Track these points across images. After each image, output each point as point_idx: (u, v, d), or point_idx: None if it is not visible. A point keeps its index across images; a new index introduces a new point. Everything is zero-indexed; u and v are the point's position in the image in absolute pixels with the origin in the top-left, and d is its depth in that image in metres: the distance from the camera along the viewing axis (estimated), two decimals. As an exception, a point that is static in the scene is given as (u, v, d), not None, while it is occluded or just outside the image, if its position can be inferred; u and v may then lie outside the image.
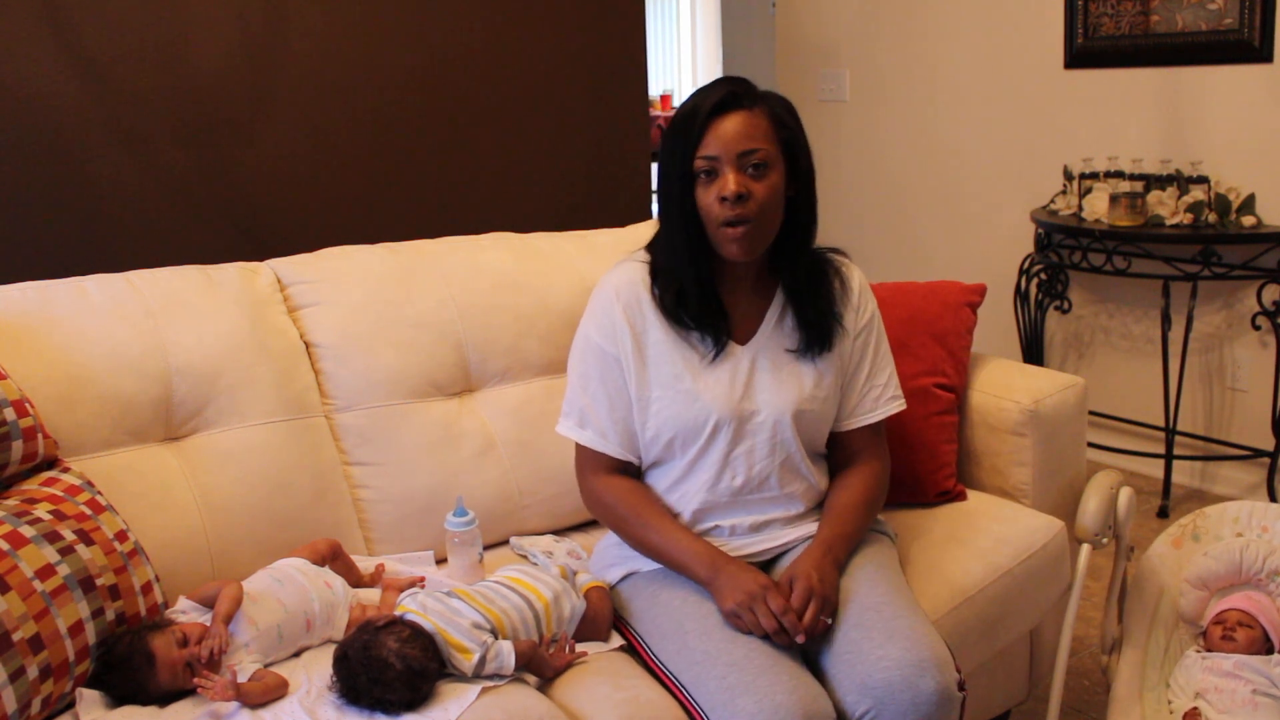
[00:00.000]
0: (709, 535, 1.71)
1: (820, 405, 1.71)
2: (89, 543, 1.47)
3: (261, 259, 2.02)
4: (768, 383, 1.68)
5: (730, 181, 1.57)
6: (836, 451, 1.79)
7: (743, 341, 1.70)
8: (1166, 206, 3.19)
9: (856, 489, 1.73)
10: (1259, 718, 1.74)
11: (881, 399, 1.77)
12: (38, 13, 2.57)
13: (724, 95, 1.58)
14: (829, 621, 1.54)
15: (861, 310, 1.75)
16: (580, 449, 1.74)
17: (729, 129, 1.58)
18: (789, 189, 1.64)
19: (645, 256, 1.72)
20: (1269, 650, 1.82)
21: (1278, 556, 1.89)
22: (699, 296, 1.65)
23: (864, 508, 1.72)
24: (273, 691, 1.45)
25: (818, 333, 1.70)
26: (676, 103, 6.58)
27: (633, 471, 1.74)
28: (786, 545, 1.72)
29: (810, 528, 1.73)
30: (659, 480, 1.72)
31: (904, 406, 1.80)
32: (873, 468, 1.76)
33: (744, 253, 1.61)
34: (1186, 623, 1.94)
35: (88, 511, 1.51)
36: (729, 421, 1.65)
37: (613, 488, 1.71)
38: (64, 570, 1.41)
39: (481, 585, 1.61)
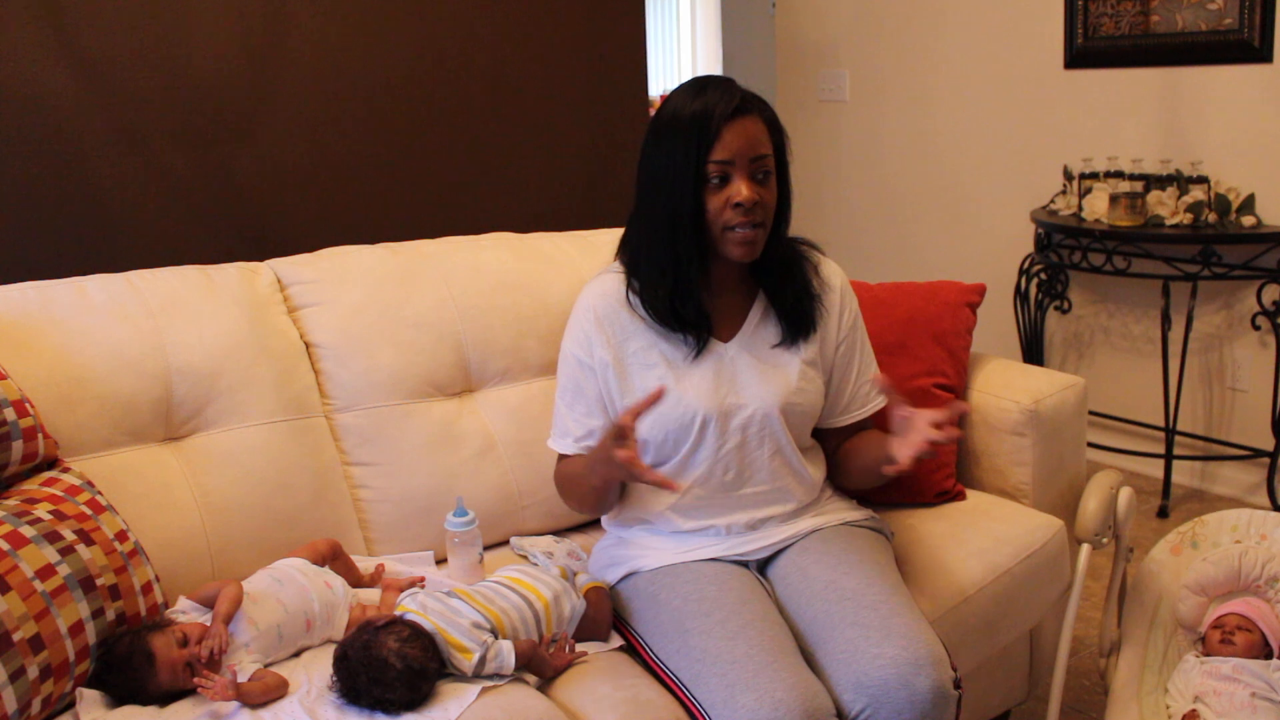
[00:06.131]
0: (705, 536, 1.72)
1: (807, 398, 1.73)
2: (89, 543, 1.47)
3: (261, 259, 2.02)
4: (753, 378, 1.70)
5: (744, 188, 1.59)
6: (834, 440, 1.84)
7: (726, 339, 1.72)
8: (1166, 206, 3.19)
9: (875, 431, 1.82)
10: (1257, 720, 1.74)
11: (873, 393, 1.83)
12: (38, 13, 2.57)
13: (739, 101, 1.60)
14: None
15: (845, 312, 1.79)
16: (560, 456, 1.79)
17: (742, 135, 1.59)
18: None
19: (619, 267, 1.74)
20: (1268, 654, 1.83)
21: (1276, 563, 1.90)
22: (689, 297, 1.66)
23: None
24: (273, 691, 1.45)
25: (798, 319, 1.72)
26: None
27: None
28: (784, 542, 1.73)
29: (807, 522, 1.74)
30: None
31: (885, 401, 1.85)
32: (874, 430, 1.84)
33: (750, 254, 1.64)
34: (1185, 629, 1.94)
35: (88, 511, 1.51)
36: (715, 418, 1.67)
37: (562, 464, 1.78)
38: (64, 570, 1.41)
39: (481, 585, 1.61)
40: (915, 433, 1.51)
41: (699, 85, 1.64)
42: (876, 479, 1.74)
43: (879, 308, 2.09)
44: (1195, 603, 1.93)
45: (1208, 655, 1.85)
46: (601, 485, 1.67)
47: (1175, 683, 1.85)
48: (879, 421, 1.87)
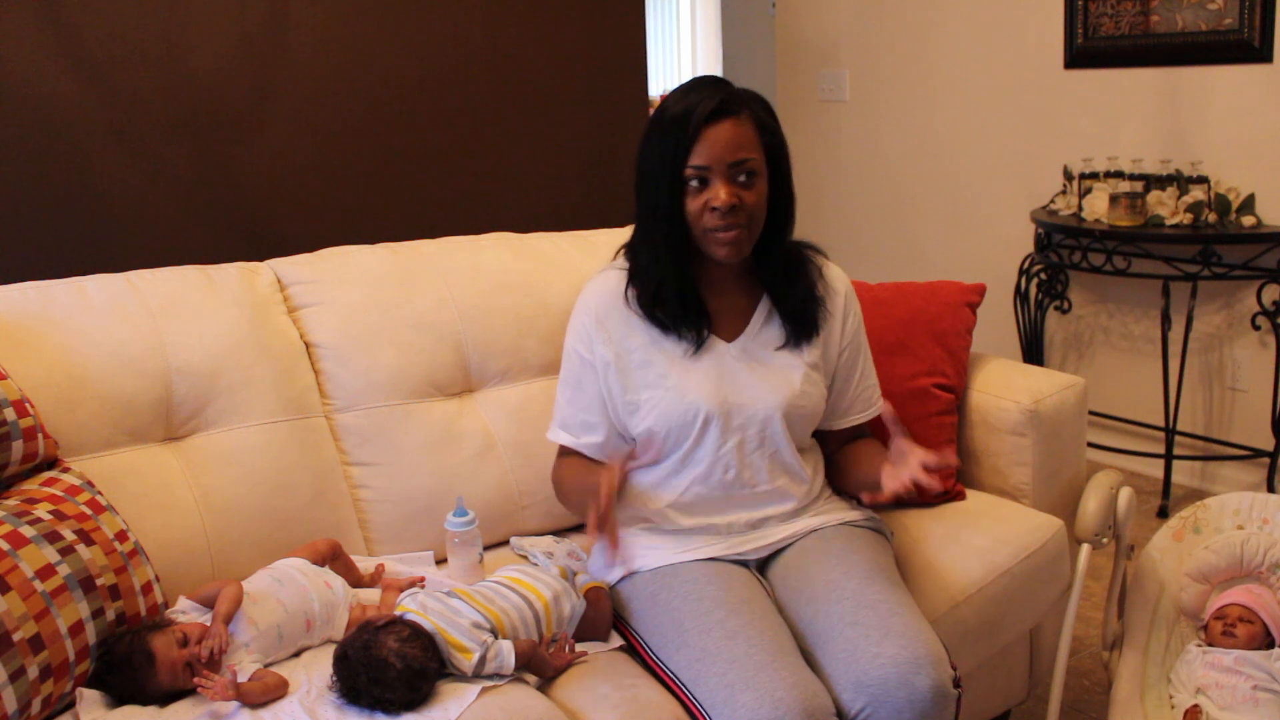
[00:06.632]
0: (704, 535, 1.72)
1: (810, 402, 1.74)
2: (89, 543, 1.47)
3: (261, 259, 2.02)
4: (756, 379, 1.70)
5: (721, 193, 1.58)
6: (832, 442, 1.86)
7: (729, 339, 1.72)
8: (1166, 206, 3.19)
9: (874, 442, 1.83)
10: (1260, 714, 1.74)
11: (874, 398, 1.85)
12: (38, 13, 2.57)
13: (716, 104, 1.58)
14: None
15: (850, 318, 1.80)
16: (560, 448, 1.81)
17: (719, 139, 1.58)
18: (770, 189, 1.65)
19: (624, 264, 1.75)
20: (1269, 645, 1.83)
21: (1279, 549, 1.90)
22: (679, 296, 1.67)
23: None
24: (273, 691, 1.45)
25: (801, 321, 1.73)
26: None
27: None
28: (784, 541, 1.73)
29: (807, 522, 1.75)
30: (653, 474, 1.73)
31: (881, 407, 1.87)
32: (873, 440, 1.87)
33: (733, 255, 1.64)
34: (1188, 616, 1.94)
35: (88, 511, 1.51)
36: (718, 415, 1.67)
37: (562, 466, 1.80)
38: (64, 570, 1.41)
39: (481, 585, 1.61)
40: (905, 469, 1.54)
41: (689, 87, 1.64)
42: (867, 492, 1.76)
43: (879, 308, 2.09)
44: (1197, 590, 1.93)
45: (1210, 645, 1.85)
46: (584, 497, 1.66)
47: (1178, 672, 1.86)
48: (877, 430, 1.88)
